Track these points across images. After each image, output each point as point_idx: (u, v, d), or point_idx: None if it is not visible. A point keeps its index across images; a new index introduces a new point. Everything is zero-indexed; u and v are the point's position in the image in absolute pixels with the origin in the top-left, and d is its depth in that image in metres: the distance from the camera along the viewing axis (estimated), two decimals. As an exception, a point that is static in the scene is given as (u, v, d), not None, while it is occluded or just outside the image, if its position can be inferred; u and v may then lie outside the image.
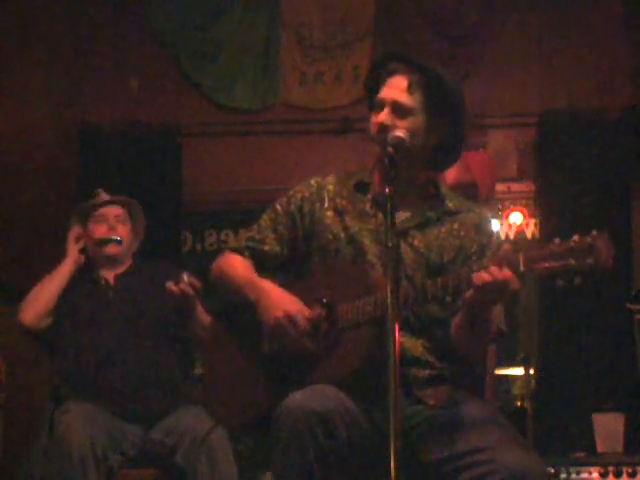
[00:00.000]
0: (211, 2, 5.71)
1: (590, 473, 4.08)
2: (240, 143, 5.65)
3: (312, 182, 2.66)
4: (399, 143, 2.39)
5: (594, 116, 5.37)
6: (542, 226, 5.42)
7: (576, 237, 2.11)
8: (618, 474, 4.06)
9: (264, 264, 2.62)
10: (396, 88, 2.49)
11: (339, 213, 2.58)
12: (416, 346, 2.44)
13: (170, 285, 3.39)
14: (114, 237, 3.76)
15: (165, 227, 5.24)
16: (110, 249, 3.75)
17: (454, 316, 2.42)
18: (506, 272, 2.17)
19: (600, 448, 4.44)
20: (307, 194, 2.64)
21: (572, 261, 2.09)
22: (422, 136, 2.49)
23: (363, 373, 2.34)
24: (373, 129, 2.50)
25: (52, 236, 4.40)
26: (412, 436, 2.33)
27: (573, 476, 4.08)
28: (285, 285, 2.51)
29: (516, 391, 5.67)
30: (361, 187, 2.61)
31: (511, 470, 2.17)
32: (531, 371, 5.08)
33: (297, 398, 2.22)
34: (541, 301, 5.27)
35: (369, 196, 2.59)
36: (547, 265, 2.12)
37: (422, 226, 2.53)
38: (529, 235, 5.74)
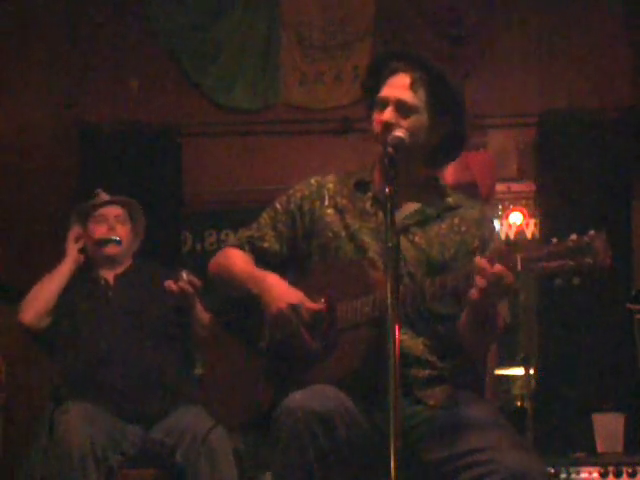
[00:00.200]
0: (211, 2, 5.71)
1: (590, 473, 4.08)
2: (240, 143, 5.65)
3: (312, 181, 2.67)
4: (399, 143, 2.39)
5: (594, 116, 5.37)
6: (542, 226, 5.42)
7: (574, 237, 2.11)
8: (618, 474, 4.06)
9: (263, 262, 2.62)
10: (399, 86, 2.49)
11: (339, 211, 2.59)
12: (416, 345, 2.44)
13: (169, 283, 3.40)
14: (114, 237, 3.76)
15: (165, 227, 5.24)
16: (110, 249, 3.76)
17: (459, 312, 2.42)
18: (497, 267, 2.16)
19: (600, 448, 4.44)
20: (307, 193, 2.64)
21: (570, 261, 2.09)
22: (425, 134, 2.50)
23: (362, 373, 2.34)
24: (377, 128, 2.49)
25: (52, 236, 4.39)
26: (412, 436, 2.33)
27: (573, 476, 4.08)
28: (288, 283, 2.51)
29: (516, 391, 5.67)
30: (361, 186, 2.62)
31: (511, 470, 2.17)
32: (531, 371, 5.08)
33: (297, 398, 2.22)
34: (541, 301, 5.27)
35: (369, 194, 2.59)
36: (545, 265, 2.12)
37: (422, 223, 2.54)
38: (529, 235, 5.74)
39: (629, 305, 4.71)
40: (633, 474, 4.07)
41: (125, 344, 3.56)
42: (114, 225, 3.78)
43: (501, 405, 5.42)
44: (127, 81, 5.63)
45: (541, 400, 5.03)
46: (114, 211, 3.81)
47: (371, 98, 2.57)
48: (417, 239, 2.51)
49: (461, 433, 2.30)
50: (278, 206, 2.67)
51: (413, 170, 2.54)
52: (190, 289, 3.39)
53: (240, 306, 2.57)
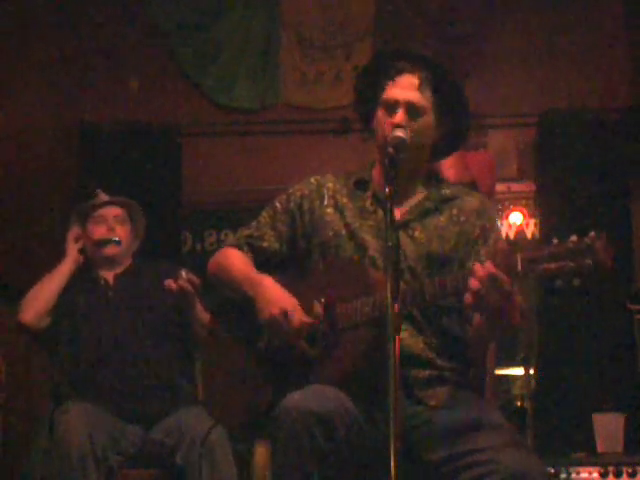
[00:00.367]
0: (211, 2, 5.72)
1: (590, 473, 4.08)
2: (240, 143, 5.65)
3: (312, 180, 2.68)
4: (399, 143, 2.39)
5: (594, 116, 5.37)
6: (542, 226, 5.42)
7: (574, 238, 2.11)
8: (618, 474, 4.06)
9: (262, 261, 2.63)
10: (408, 88, 2.49)
11: (339, 210, 2.59)
12: (417, 343, 2.44)
13: (169, 282, 3.40)
14: (113, 238, 3.76)
15: (165, 227, 5.24)
16: (109, 250, 3.75)
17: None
18: (490, 269, 2.16)
19: (600, 448, 4.44)
20: (307, 192, 2.65)
21: (570, 262, 2.09)
22: (431, 134, 2.52)
23: (362, 374, 2.34)
24: (387, 130, 2.47)
25: (52, 236, 4.40)
26: (412, 436, 2.33)
27: (573, 476, 4.07)
28: (285, 284, 2.51)
29: (516, 391, 5.66)
30: (361, 184, 2.62)
31: (511, 470, 2.17)
32: (531, 371, 5.08)
33: (296, 398, 2.22)
34: (541, 301, 5.27)
35: (369, 193, 2.60)
36: (545, 266, 2.12)
37: (421, 217, 2.54)
38: (529, 235, 5.74)
39: (629, 305, 4.71)
40: (633, 474, 4.06)
41: (125, 344, 3.55)
42: (114, 226, 3.78)
43: (501, 405, 5.41)
44: (127, 81, 5.63)
45: (541, 400, 5.03)
46: (114, 211, 3.81)
47: (368, 96, 2.56)
48: (417, 234, 2.52)
49: (461, 433, 2.30)
50: (278, 205, 2.67)
51: (415, 168, 2.55)
52: (190, 288, 3.39)
53: (240, 306, 2.57)
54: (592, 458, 4.24)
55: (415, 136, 2.46)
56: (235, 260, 2.63)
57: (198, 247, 5.83)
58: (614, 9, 5.56)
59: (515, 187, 5.70)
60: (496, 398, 4.96)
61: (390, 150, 2.34)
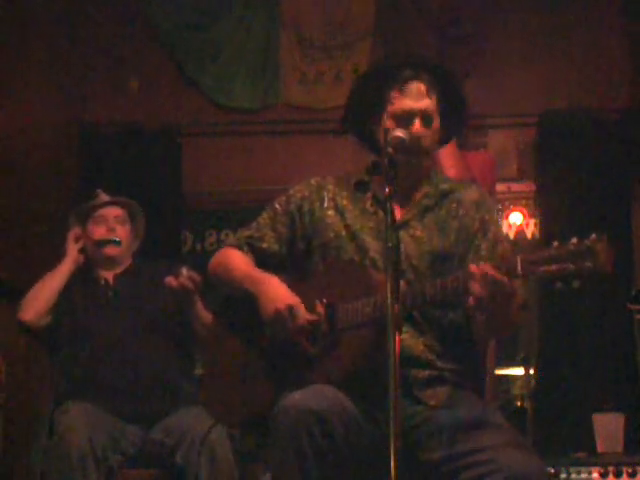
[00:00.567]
0: (211, 2, 5.72)
1: (590, 473, 4.08)
2: (240, 143, 5.65)
3: (312, 182, 2.68)
4: (399, 143, 2.40)
5: (594, 116, 5.37)
6: (542, 226, 5.42)
7: (575, 240, 2.11)
8: (618, 474, 4.06)
9: (262, 262, 2.63)
10: (419, 96, 2.50)
11: (340, 212, 2.60)
12: (417, 344, 2.45)
13: (169, 280, 3.40)
14: (113, 238, 3.76)
15: (165, 227, 5.24)
16: (109, 250, 3.75)
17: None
18: (488, 270, 2.16)
19: (600, 448, 4.44)
20: (307, 193, 2.65)
21: (570, 265, 2.09)
22: (438, 136, 2.56)
23: (363, 374, 2.34)
24: (403, 134, 2.42)
25: (52, 236, 4.39)
26: (412, 436, 2.33)
27: (573, 476, 4.07)
28: (287, 285, 2.51)
29: (516, 391, 5.67)
30: (361, 186, 2.63)
31: (511, 470, 2.17)
32: (531, 371, 5.08)
33: (294, 398, 2.23)
34: (541, 301, 5.27)
35: (369, 194, 2.60)
36: (545, 268, 2.12)
37: (421, 215, 2.56)
38: (529, 235, 5.74)
39: (629, 305, 4.71)
40: (633, 474, 4.06)
41: (125, 344, 3.55)
42: (114, 226, 3.78)
43: (501, 405, 5.42)
44: (127, 81, 5.63)
45: (541, 400, 5.03)
46: (114, 212, 3.81)
47: (366, 106, 2.56)
48: (418, 233, 2.53)
49: (461, 433, 2.30)
50: (277, 206, 2.67)
51: (418, 169, 2.56)
52: (190, 285, 3.39)
53: (241, 306, 2.57)
54: (592, 458, 4.24)
55: (430, 143, 2.52)
56: (236, 259, 2.63)
57: (198, 247, 5.84)
58: (614, 9, 5.56)
59: (515, 187, 5.70)
60: (496, 398, 4.98)
61: (390, 150, 2.34)
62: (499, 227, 2.60)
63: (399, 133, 2.42)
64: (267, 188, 4.88)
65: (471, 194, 2.59)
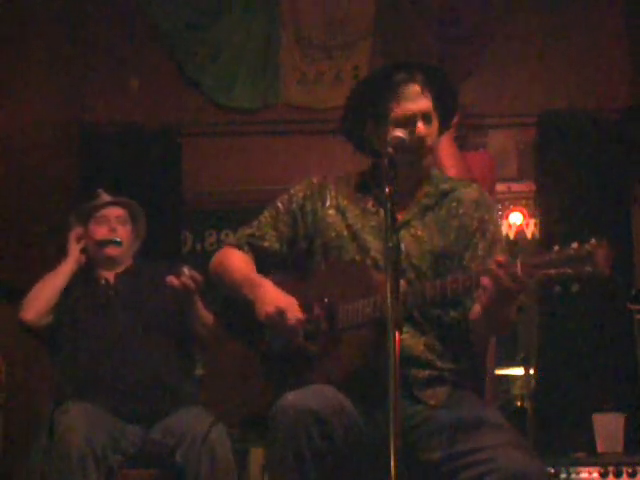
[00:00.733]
0: (211, 2, 5.72)
1: (590, 473, 4.08)
2: (240, 143, 5.66)
3: (314, 181, 2.68)
4: (399, 143, 2.40)
5: (594, 116, 5.37)
6: (542, 226, 5.43)
7: (575, 245, 2.11)
8: (618, 474, 4.06)
9: (263, 260, 2.64)
10: (417, 98, 2.51)
11: (341, 212, 2.60)
12: (417, 344, 2.45)
13: (171, 279, 3.40)
14: (114, 238, 3.76)
15: (165, 227, 5.24)
16: (110, 250, 3.75)
17: (469, 300, 2.43)
18: (513, 272, 2.17)
19: (600, 448, 4.44)
20: (309, 193, 2.65)
21: (570, 269, 2.09)
22: (437, 133, 2.56)
23: (362, 374, 2.35)
24: (403, 134, 2.43)
25: (52, 236, 4.39)
26: (412, 436, 2.33)
27: (573, 476, 4.08)
28: (287, 285, 2.52)
29: (516, 391, 5.67)
30: (362, 186, 2.62)
31: (511, 470, 2.17)
32: (531, 371, 5.08)
33: (293, 397, 2.23)
34: (541, 301, 5.27)
35: (371, 194, 2.60)
36: (545, 272, 2.12)
37: (422, 214, 2.56)
38: (529, 235, 5.74)
39: (629, 305, 4.71)
40: (633, 474, 4.06)
41: (125, 344, 3.55)
42: (115, 226, 3.78)
43: (501, 405, 5.42)
44: (127, 81, 5.63)
45: (541, 400, 5.03)
46: (115, 212, 3.81)
47: (361, 113, 2.57)
48: (419, 233, 2.53)
49: (461, 433, 2.30)
50: (279, 205, 2.67)
51: (418, 168, 2.56)
52: (192, 285, 3.39)
53: (241, 306, 2.57)
54: (592, 458, 4.25)
55: (432, 143, 2.53)
56: (235, 261, 2.64)
57: (198, 247, 5.84)
58: (614, 9, 5.57)
59: (515, 187, 5.71)
60: (496, 398, 4.98)
61: (390, 150, 2.35)
62: (498, 227, 2.60)
63: (399, 133, 2.43)
64: (267, 188, 4.88)
65: (471, 193, 2.60)
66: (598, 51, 5.53)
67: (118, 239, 3.76)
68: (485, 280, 2.19)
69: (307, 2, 5.74)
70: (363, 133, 2.61)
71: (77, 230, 3.82)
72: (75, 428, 3.21)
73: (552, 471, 4.02)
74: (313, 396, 2.23)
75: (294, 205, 2.65)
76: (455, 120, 2.79)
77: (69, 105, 5.56)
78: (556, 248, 2.13)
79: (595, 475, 4.08)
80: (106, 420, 3.35)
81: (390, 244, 2.11)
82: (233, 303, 2.62)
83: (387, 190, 2.19)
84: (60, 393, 3.53)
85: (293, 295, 2.48)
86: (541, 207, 5.44)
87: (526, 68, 5.56)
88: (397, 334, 2.03)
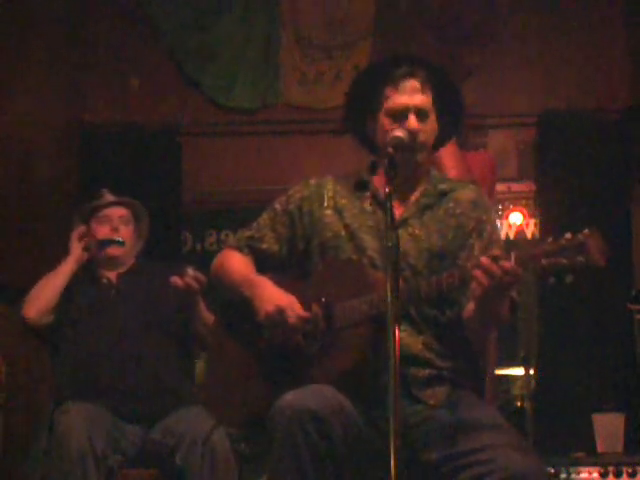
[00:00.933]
0: (211, 2, 5.71)
1: (590, 473, 4.08)
2: (240, 143, 5.65)
3: (311, 182, 2.69)
4: (399, 143, 2.41)
5: (594, 116, 5.37)
6: (542, 226, 5.42)
7: (568, 235, 2.12)
8: (618, 474, 4.06)
9: (262, 262, 2.65)
10: (414, 92, 2.51)
11: (338, 211, 2.61)
12: (415, 343, 2.45)
13: (175, 279, 3.40)
14: (117, 238, 3.75)
15: (165, 227, 5.23)
16: (112, 250, 3.75)
17: (464, 298, 2.43)
18: (504, 265, 2.17)
19: (600, 448, 4.44)
20: (306, 194, 2.66)
21: (563, 259, 2.09)
22: (435, 133, 2.56)
23: (360, 372, 2.35)
24: (402, 134, 2.47)
25: (52, 236, 4.39)
26: (411, 436, 2.33)
27: (573, 476, 4.08)
28: (285, 285, 2.52)
29: (516, 391, 5.66)
30: (360, 185, 2.63)
31: (510, 470, 2.17)
32: (531, 371, 5.08)
33: (291, 397, 2.23)
34: (541, 301, 5.27)
35: (368, 194, 2.61)
36: (539, 264, 2.13)
37: (420, 214, 2.57)
38: (529, 235, 5.74)
39: (629, 305, 4.71)
40: (633, 474, 4.07)
41: (126, 344, 3.55)
42: (118, 226, 3.77)
43: (501, 405, 5.42)
44: (127, 81, 5.63)
45: (541, 400, 5.02)
46: (118, 212, 3.81)
47: (362, 105, 2.57)
48: (417, 231, 2.54)
49: (461, 433, 2.30)
50: (277, 207, 2.69)
51: (416, 167, 2.57)
52: (195, 285, 3.40)
53: (241, 307, 2.57)
54: (592, 458, 4.25)
55: (426, 139, 2.53)
56: (235, 262, 2.66)
57: (198, 247, 5.84)
58: (614, 9, 5.57)
59: (515, 187, 5.70)
60: (496, 398, 4.98)
61: (390, 150, 2.35)
62: (495, 228, 2.60)
63: (398, 133, 2.44)
64: (267, 188, 4.88)
65: (469, 194, 2.60)
66: (598, 51, 5.53)
67: (120, 239, 3.76)
68: (478, 272, 2.19)
69: (307, 2, 5.74)
70: (364, 128, 2.61)
71: (80, 229, 3.82)
72: (75, 428, 3.21)
73: (552, 471, 4.02)
74: (312, 396, 2.23)
75: (291, 206, 2.66)
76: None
77: (69, 105, 5.56)
78: (549, 239, 2.14)
79: (595, 475, 4.08)
80: (106, 420, 3.35)
81: (390, 244, 2.11)
82: (233, 303, 2.63)
83: (387, 190, 2.19)
84: (60, 393, 3.53)
85: (290, 294, 2.48)
86: (541, 207, 5.44)
87: (526, 68, 5.56)
88: (397, 332, 2.04)
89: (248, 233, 2.70)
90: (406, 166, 2.47)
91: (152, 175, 5.44)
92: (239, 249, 2.69)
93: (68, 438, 3.20)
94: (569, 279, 2.09)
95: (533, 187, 5.55)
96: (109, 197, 3.84)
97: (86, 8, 5.66)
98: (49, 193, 5.36)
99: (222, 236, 5.78)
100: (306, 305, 2.46)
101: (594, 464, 4.12)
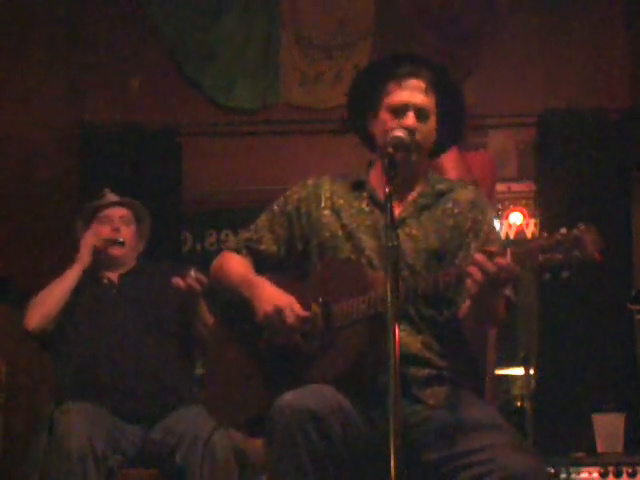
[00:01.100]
0: (211, 2, 5.71)
1: (590, 473, 4.08)
2: (240, 143, 5.65)
3: (309, 182, 2.70)
4: (399, 143, 2.41)
5: (594, 116, 5.37)
6: (542, 226, 5.42)
7: (564, 230, 2.12)
8: (618, 474, 4.06)
9: (261, 263, 2.65)
10: (417, 91, 2.52)
11: (336, 212, 2.61)
12: (415, 342, 2.46)
13: (177, 280, 3.40)
14: (117, 239, 3.75)
15: (165, 227, 5.23)
16: (113, 250, 3.75)
17: (460, 298, 2.43)
18: (499, 261, 2.17)
19: (600, 448, 4.44)
20: (304, 194, 2.67)
21: (558, 255, 2.09)
22: (434, 135, 2.56)
23: (359, 372, 2.35)
24: (402, 134, 2.47)
25: (52, 236, 4.40)
26: (411, 435, 2.33)
27: (573, 476, 4.08)
28: (284, 285, 2.53)
29: (516, 391, 5.67)
30: (357, 186, 2.64)
31: (510, 470, 2.17)
32: (531, 371, 5.08)
33: (290, 397, 2.24)
34: (541, 301, 5.27)
35: (365, 194, 2.61)
36: (535, 259, 2.13)
37: (417, 214, 2.57)
38: (529, 235, 5.75)
39: (629, 305, 4.71)
40: (633, 474, 4.07)
41: (127, 344, 3.55)
42: (118, 226, 3.77)
43: (501, 405, 5.42)
44: (127, 81, 5.63)
45: (541, 400, 5.03)
46: (119, 212, 3.81)
47: (365, 100, 2.57)
48: (414, 232, 2.54)
49: (460, 433, 2.30)
50: (275, 208, 2.70)
51: (415, 168, 2.57)
52: (198, 286, 3.40)
53: (241, 308, 2.57)
54: (592, 458, 4.25)
55: (423, 139, 2.52)
56: (234, 264, 2.66)
57: (198, 247, 5.84)
58: (614, 9, 5.56)
59: (515, 187, 5.71)
60: (496, 398, 4.98)
61: (390, 150, 2.36)
62: (492, 229, 2.60)
63: (398, 133, 2.44)
64: (267, 188, 4.87)
65: (467, 194, 2.61)
66: (598, 51, 5.53)
67: (121, 239, 3.75)
68: (472, 269, 2.19)
69: (307, 2, 5.73)
70: (365, 125, 2.61)
71: (90, 236, 3.76)
72: (75, 428, 3.21)
73: (552, 471, 4.02)
74: (311, 396, 2.23)
75: (289, 207, 2.67)
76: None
77: (69, 105, 5.56)
78: (545, 235, 2.14)
79: (595, 475, 4.08)
80: (106, 420, 3.35)
81: (390, 244, 2.11)
82: (233, 304, 2.63)
83: (387, 190, 2.20)
84: (60, 393, 3.53)
85: (288, 294, 2.49)
86: (541, 207, 5.44)
87: (526, 68, 5.55)
88: (397, 331, 2.04)
89: (246, 235, 2.71)
90: (404, 167, 2.47)
91: (152, 175, 5.44)
92: (238, 250, 2.70)
93: (68, 438, 3.20)
94: (565, 274, 2.09)
95: (533, 187, 5.55)
96: (111, 197, 3.84)
97: (86, 8, 5.66)
98: (49, 193, 5.36)
99: (222, 236, 5.79)
100: (305, 305, 2.46)
101: (594, 464, 4.12)
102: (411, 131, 2.49)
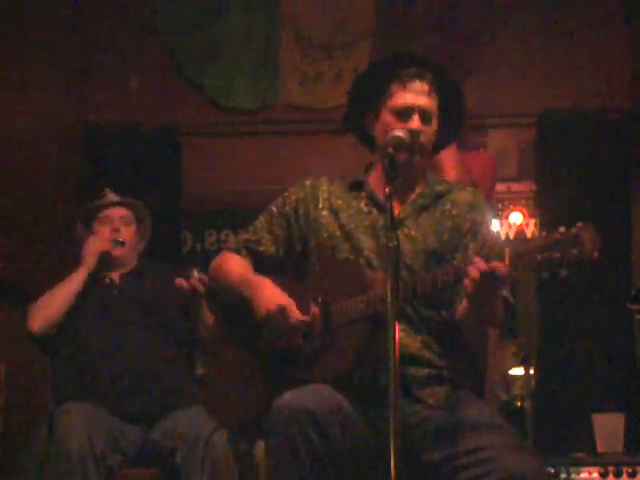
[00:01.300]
0: (211, 2, 5.71)
1: (590, 473, 4.08)
2: (240, 143, 5.65)
3: (307, 183, 2.70)
4: (399, 143, 2.41)
5: (594, 116, 5.37)
6: (542, 226, 5.42)
7: (562, 229, 2.12)
8: (618, 474, 4.06)
9: (260, 264, 2.65)
10: (421, 94, 2.52)
11: (334, 212, 2.62)
12: (414, 342, 2.46)
13: (180, 281, 3.39)
14: (117, 239, 3.75)
15: (165, 227, 5.23)
16: (113, 250, 3.74)
17: (458, 298, 2.43)
18: (493, 264, 2.17)
19: (600, 448, 4.44)
20: (302, 195, 2.67)
21: (557, 253, 2.09)
22: (434, 138, 2.56)
23: (357, 370, 2.35)
24: (403, 134, 2.48)
25: (53, 236, 4.39)
26: (411, 435, 2.33)
27: (573, 476, 4.08)
28: (283, 286, 2.53)
29: (516, 391, 5.67)
30: (355, 186, 2.64)
31: (510, 470, 2.17)
32: (531, 371, 5.08)
33: (288, 397, 2.24)
34: (541, 301, 5.27)
35: (363, 194, 2.62)
36: (533, 258, 2.13)
37: (416, 215, 2.57)
38: (529, 235, 5.74)
39: (629, 305, 4.71)
40: (633, 474, 4.07)
41: (127, 343, 3.56)
42: (118, 226, 3.77)
43: (501, 405, 5.42)
44: (127, 81, 5.63)
45: (541, 400, 5.03)
46: (119, 212, 3.81)
47: (366, 101, 2.57)
48: (413, 232, 2.54)
49: (460, 433, 2.30)
50: (274, 209, 2.70)
51: (413, 167, 2.56)
52: (201, 287, 3.39)
53: (241, 308, 2.57)
54: (592, 458, 4.25)
55: (428, 141, 2.53)
56: (233, 264, 2.66)
57: (198, 247, 5.84)
58: (614, 9, 5.56)
59: (515, 187, 5.71)
60: (496, 398, 4.98)
61: (390, 150, 2.36)
62: (490, 231, 2.60)
63: (399, 133, 2.44)
64: (267, 188, 4.87)
65: (466, 196, 2.61)
66: (598, 51, 5.53)
67: (121, 239, 3.75)
68: (471, 270, 2.19)
69: (307, 2, 5.73)
70: (365, 124, 2.61)
71: (95, 241, 3.75)
72: (75, 428, 3.22)
73: (552, 471, 4.02)
74: (310, 396, 2.23)
75: (287, 208, 2.67)
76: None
77: (69, 105, 5.56)
78: (543, 233, 2.14)
79: (595, 475, 4.08)
80: (106, 420, 3.35)
81: (390, 244, 2.11)
82: (233, 305, 2.63)
83: (387, 190, 2.20)
84: (60, 393, 3.53)
85: (288, 296, 2.48)
86: (541, 207, 5.44)
87: (526, 68, 5.55)
88: (397, 331, 2.04)
89: (245, 236, 2.71)
90: (405, 167, 2.47)
91: (152, 175, 5.44)
92: (237, 251, 2.70)
93: (68, 438, 3.20)
94: (563, 273, 2.09)
95: (533, 187, 5.55)
96: (111, 197, 3.84)
97: (86, 8, 5.66)
98: (50, 193, 5.35)
99: (222, 236, 5.79)
100: (304, 306, 2.46)
101: (594, 464, 4.12)
102: (416, 134, 2.49)
